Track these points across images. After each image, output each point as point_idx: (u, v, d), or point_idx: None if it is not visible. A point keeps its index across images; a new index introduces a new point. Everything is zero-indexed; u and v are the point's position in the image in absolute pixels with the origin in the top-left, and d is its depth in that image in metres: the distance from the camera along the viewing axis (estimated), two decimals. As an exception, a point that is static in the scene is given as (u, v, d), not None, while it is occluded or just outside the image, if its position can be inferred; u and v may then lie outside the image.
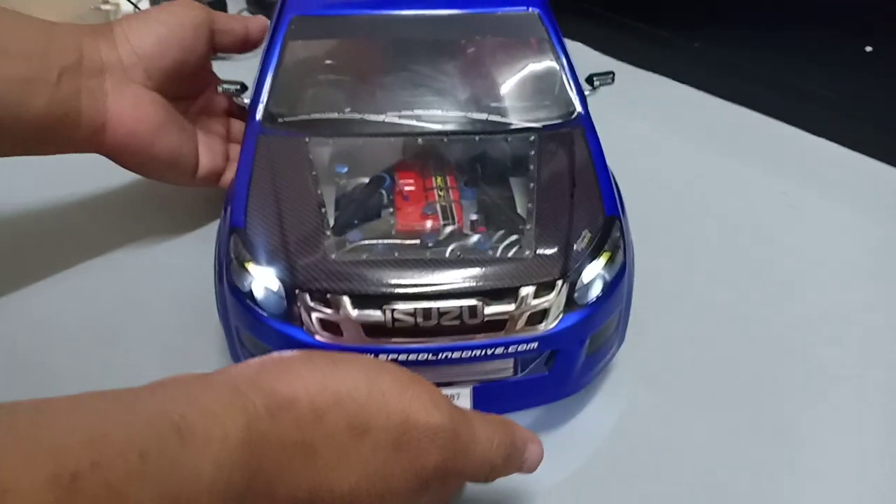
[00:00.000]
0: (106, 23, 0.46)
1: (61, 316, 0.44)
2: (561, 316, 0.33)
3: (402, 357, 0.32)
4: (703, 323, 0.44)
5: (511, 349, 0.33)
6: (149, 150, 0.45)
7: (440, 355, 0.33)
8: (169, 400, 0.23)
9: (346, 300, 0.32)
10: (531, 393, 0.35)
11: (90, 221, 0.52)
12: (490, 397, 0.34)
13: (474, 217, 0.37)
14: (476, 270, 0.33)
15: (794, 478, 0.36)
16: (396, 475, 0.26)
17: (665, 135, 0.62)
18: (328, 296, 0.32)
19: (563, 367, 0.35)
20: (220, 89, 0.43)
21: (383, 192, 0.38)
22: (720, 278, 0.48)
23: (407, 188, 0.39)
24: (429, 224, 0.36)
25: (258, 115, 0.40)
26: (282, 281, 0.33)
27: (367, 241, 0.35)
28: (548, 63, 0.43)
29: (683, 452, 0.37)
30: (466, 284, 0.32)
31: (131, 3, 0.79)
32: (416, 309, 0.32)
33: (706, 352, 0.42)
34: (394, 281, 0.32)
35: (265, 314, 0.33)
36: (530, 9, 0.44)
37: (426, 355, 0.32)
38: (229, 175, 0.49)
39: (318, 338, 0.32)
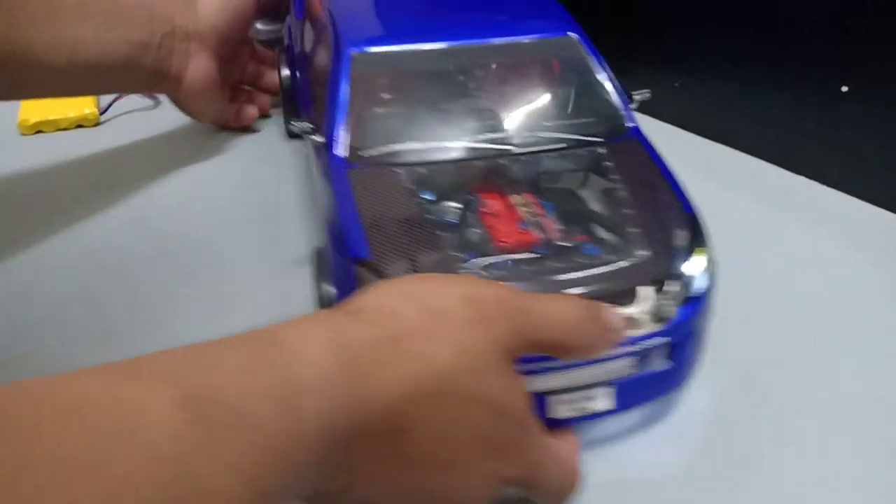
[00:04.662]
0: None
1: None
2: (678, 309, 0.36)
3: (547, 364, 0.34)
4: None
5: (644, 345, 0.36)
6: (204, 104, 0.63)
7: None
8: (261, 331, 0.25)
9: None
10: (657, 386, 0.38)
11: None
12: (626, 394, 0.37)
13: (561, 227, 0.39)
14: (603, 275, 0.35)
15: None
16: (479, 347, 0.27)
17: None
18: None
19: (681, 358, 0.37)
20: (296, 128, 0.43)
21: (472, 213, 0.40)
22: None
23: (493, 208, 0.41)
24: (529, 238, 0.39)
25: (341, 152, 0.41)
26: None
27: (492, 260, 0.36)
28: (595, 82, 0.46)
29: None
30: (600, 289, 0.35)
31: None
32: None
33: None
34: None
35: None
36: (568, 33, 0.47)
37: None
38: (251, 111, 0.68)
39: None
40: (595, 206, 0.41)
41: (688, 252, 0.38)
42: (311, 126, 0.43)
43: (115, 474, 0.17)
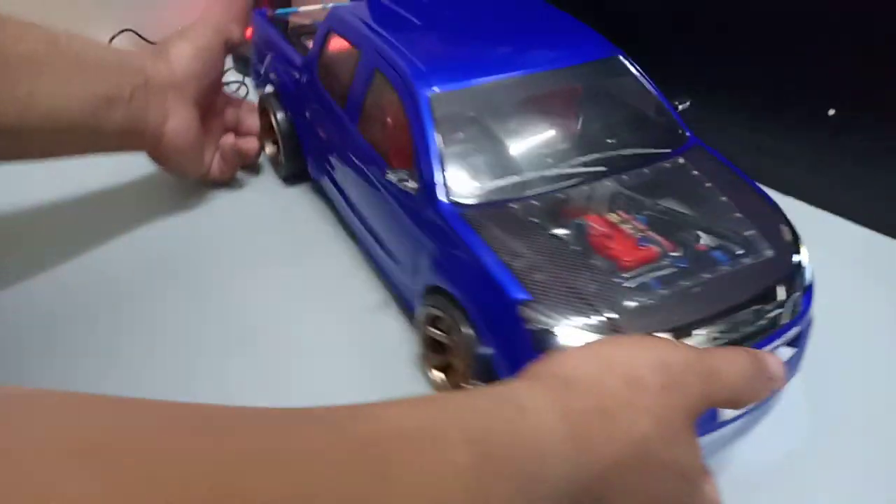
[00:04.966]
0: (160, 43, 0.57)
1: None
2: (801, 299, 0.39)
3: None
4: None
5: (786, 336, 0.38)
6: (186, 157, 0.58)
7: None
8: (493, 391, 0.27)
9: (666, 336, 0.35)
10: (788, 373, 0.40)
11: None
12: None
13: (671, 239, 0.41)
14: (751, 278, 0.38)
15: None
16: (672, 415, 0.28)
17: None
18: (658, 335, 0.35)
19: (803, 344, 0.40)
20: (393, 178, 0.42)
21: (585, 237, 0.41)
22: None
23: (601, 229, 0.42)
24: (651, 254, 0.40)
25: (446, 197, 0.41)
26: (601, 332, 0.34)
27: (641, 280, 0.37)
28: (651, 96, 0.48)
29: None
30: (751, 293, 0.37)
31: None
32: (722, 325, 0.36)
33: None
34: (699, 305, 0.36)
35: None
36: (612, 53, 0.49)
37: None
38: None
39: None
40: (695, 213, 0.42)
41: (795, 244, 0.41)
42: (406, 174, 0.42)
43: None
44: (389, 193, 0.45)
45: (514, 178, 0.42)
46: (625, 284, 0.37)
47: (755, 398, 0.32)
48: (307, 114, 0.57)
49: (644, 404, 0.28)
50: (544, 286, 0.36)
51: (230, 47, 0.61)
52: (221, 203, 0.62)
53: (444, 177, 0.41)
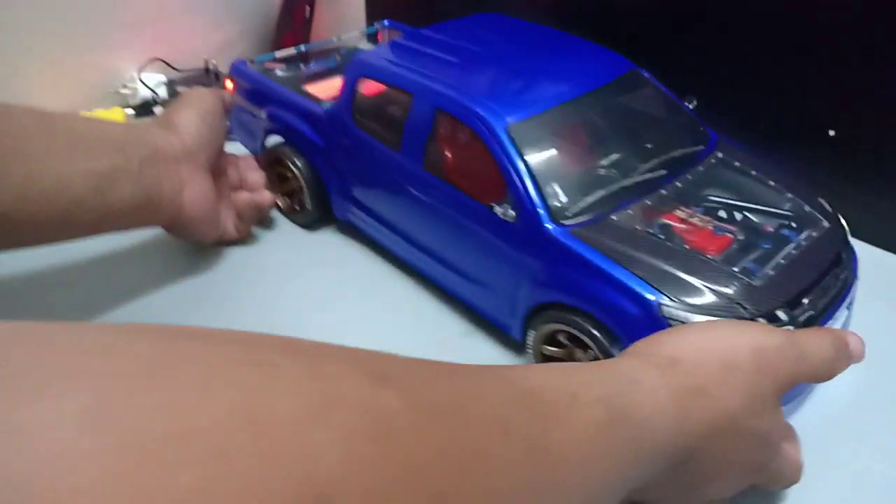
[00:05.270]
0: (164, 114, 0.57)
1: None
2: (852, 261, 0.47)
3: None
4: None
5: (851, 294, 0.45)
6: (206, 223, 0.57)
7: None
8: (608, 366, 0.33)
9: (780, 313, 0.41)
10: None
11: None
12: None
13: (736, 224, 0.47)
14: (825, 249, 0.44)
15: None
16: (763, 393, 0.33)
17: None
18: (778, 311, 0.40)
19: (853, 303, 0.47)
20: (498, 212, 0.45)
21: (675, 235, 0.46)
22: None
23: (681, 226, 0.47)
24: (727, 241, 0.46)
25: (549, 220, 0.44)
26: (743, 319, 0.40)
27: (742, 265, 0.43)
28: (670, 102, 0.54)
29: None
30: (828, 261, 0.44)
31: (148, 87, 0.82)
32: (818, 292, 0.42)
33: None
34: (803, 281, 0.42)
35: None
36: (630, 68, 0.54)
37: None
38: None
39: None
40: (753, 199, 0.48)
41: (836, 213, 0.48)
42: (503, 204, 0.45)
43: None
44: (478, 224, 0.48)
45: (601, 193, 0.46)
46: (733, 269, 0.42)
47: (836, 373, 0.36)
48: (338, 159, 0.58)
49: (737, 384, 0.32)
50: (670, 284, 0.41)
51: (227, 107, 0.61)
52: (254, 261, 0.61)
53: (544, 202, 0.45)
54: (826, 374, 0.36)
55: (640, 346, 0.35)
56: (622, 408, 0.29)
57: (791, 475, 0.37)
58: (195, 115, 0.56)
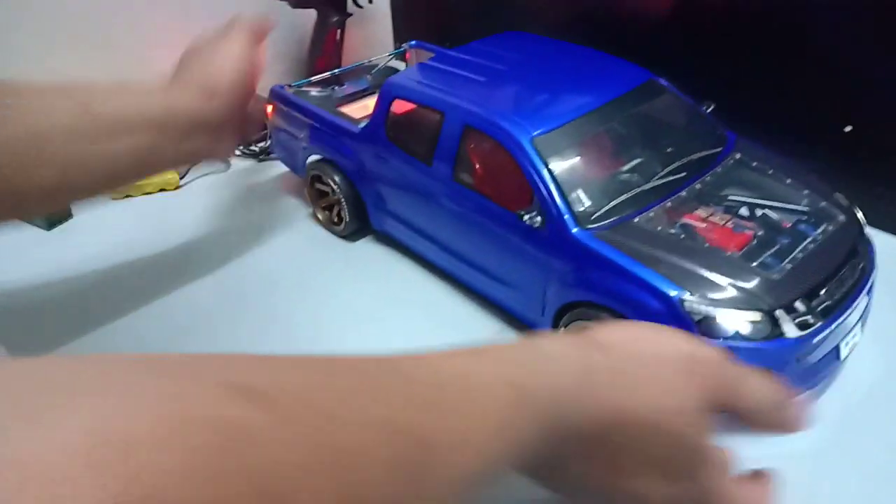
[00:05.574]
0: (204, 71, 0.54)
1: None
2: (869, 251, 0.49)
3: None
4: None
5: (869, 283, 0.47)
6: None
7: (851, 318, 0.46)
8: (533, 346, 0.32)
9: (798, 304, 0.43)
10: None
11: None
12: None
13: (755, 221, 0.49)
14: (842, 241, 0.47)
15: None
16: (689, 394, 0.32)
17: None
18: (796, 303, 0.43)
19: (872, 291, 0.49)
20: (525, 218, 0.48)
21: (696, 234, 0.48)
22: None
23: (701, 225, 0.49)
24: (747, 237, 0.48)
25: (575, 225, 0.47)
26: (762, 311, 0.42)
27: (761, 259, 0.45)
28: (688, 107, 0.57)
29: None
30: (844, 253, 0.46)
31: None
32: (835, 283, 0.44)
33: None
34: (820, 273, 0.44)
35: (749, 344, 0.42)
36: (648, 76, 0.57)
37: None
38: None
39: (793, 336, 0.43)
40: (771, 197, 0.50)
41: (851, 206, 0.50)
42: (531, 212, 0.48)
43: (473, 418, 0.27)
44: (507, 230, 0.51)
45: (624, 197, 0.49)
46: (752, 265, 0.44)
47: (770, 426, 0.34)
48: (373, 174, 0.62)
49: (662, 378, 0.32)
50: (692, 280, 0.43)
51: (263, 37, 0.58)
52: (299, 271, 0.65)
53: (569, 208, 0.48)
54: (759, 419, 0.34)
55: (582, 331, 0.35)
56: (532, 389, 0.29)
57: None
58: (235, 75, 0.54)
